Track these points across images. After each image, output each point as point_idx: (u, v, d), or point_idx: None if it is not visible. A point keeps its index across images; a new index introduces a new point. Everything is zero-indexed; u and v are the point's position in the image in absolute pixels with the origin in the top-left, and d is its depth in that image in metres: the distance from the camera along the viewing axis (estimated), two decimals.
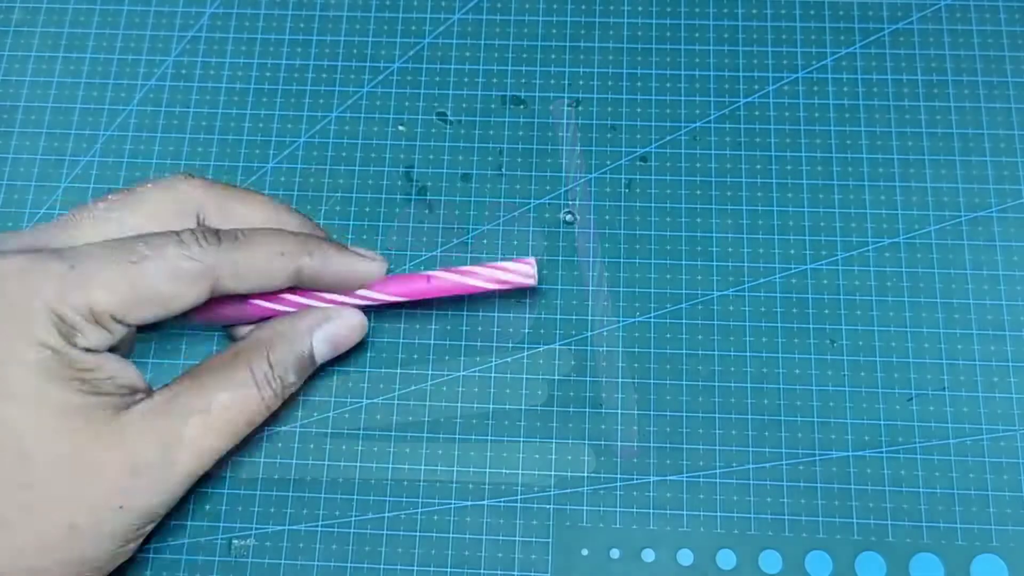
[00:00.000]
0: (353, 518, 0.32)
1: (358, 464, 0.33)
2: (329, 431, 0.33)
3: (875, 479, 0.32)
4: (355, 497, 0.33)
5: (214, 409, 0.28)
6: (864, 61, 0.38)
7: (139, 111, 0.38)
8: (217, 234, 0.28)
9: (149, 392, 0.29)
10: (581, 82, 0.38)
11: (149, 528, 0.29)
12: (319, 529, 0.32)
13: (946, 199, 0.36)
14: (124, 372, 0.28)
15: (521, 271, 0.32)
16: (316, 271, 0.30)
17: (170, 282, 0.27)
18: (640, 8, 0.39)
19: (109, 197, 0.29)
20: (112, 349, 0.28)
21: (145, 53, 0.39)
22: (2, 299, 0.26)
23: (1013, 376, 0.33)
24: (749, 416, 0.33)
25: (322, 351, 0.31)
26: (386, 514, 0.33)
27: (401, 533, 0.32)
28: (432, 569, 0.32)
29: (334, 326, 0.31)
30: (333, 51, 0.39)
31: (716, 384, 0.34)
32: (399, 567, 0.32)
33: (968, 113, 0.37)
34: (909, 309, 0.34)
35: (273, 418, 0.33)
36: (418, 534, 0.32)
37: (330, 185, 0.37)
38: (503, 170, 0.37)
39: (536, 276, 0.32)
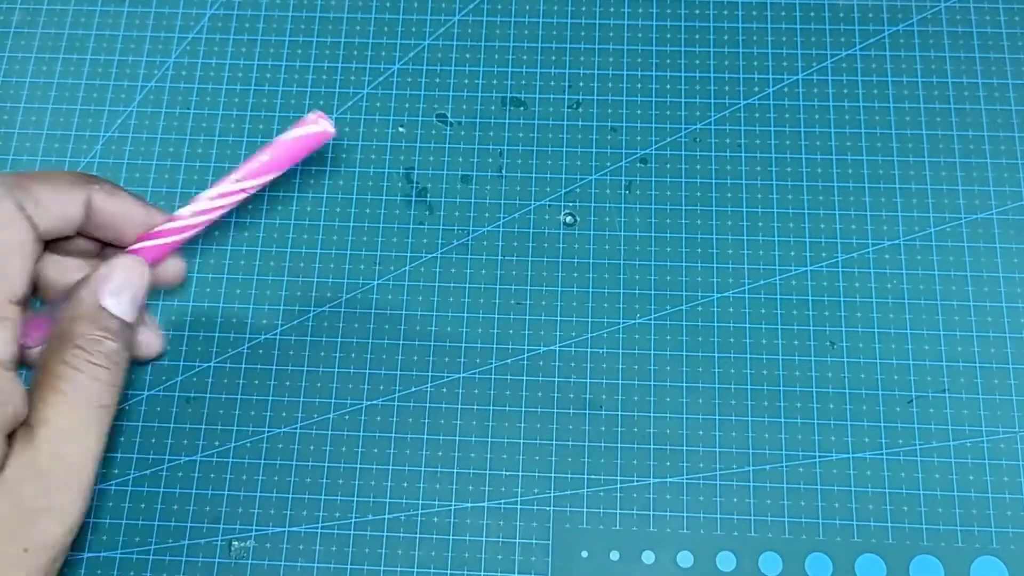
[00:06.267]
0: (353, 519, 0.32)
1: (358, 466, 0.33)
2: (329, 433, 0.33)
3: (875, 481, 0.32)
4: (355, 499, 0.33)
5: (62, 416, 0.26)
6: (864, 63, 0.38)
7: (139, 112, 0.38)
8: (5, 175, 0.26)
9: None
10: (581, 84, 0.38)
11: (62, 560, 0.27)
12: (319, 530, 0.32)
13: (946, 201, 0.36)
14: (16, 395, 0.25)
15: (310, 124, 0.29)
16: (104, 204, 0.28)
17: None
18: (640, 10, 0.39)
19: None
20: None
21: (145, 55, 0.39)
22: None
23: (1013, 378, 0.33)
24: (749, 418, 0.33)
25: (124, 309, 0.28)
26: (386, 516, 0.33)
27: (401, 534, 0.32)
28: (432, 570, 0.32)
29: (116, 281, 0.28)
30: (333, 53, 0.39)
31: (716, 386, 0.34)
32: (399, 568, 0.32)
33: (968, 115, 0.37)
34: (909, 311, 0.34)
35: (274, 420, 0.33)
36: (418, 535, 0.32)
37: (330, 186, 0.37)
38: (503, 171, 0.37)
39: (331, 124, 0.29)
